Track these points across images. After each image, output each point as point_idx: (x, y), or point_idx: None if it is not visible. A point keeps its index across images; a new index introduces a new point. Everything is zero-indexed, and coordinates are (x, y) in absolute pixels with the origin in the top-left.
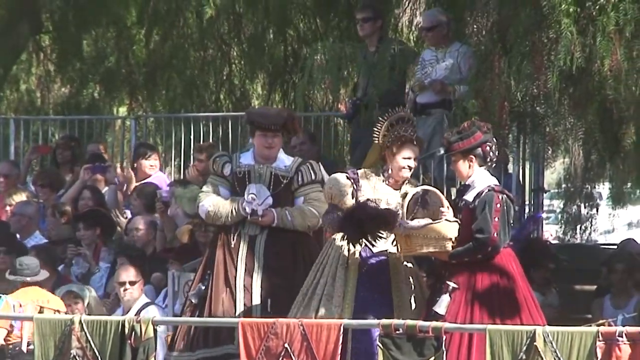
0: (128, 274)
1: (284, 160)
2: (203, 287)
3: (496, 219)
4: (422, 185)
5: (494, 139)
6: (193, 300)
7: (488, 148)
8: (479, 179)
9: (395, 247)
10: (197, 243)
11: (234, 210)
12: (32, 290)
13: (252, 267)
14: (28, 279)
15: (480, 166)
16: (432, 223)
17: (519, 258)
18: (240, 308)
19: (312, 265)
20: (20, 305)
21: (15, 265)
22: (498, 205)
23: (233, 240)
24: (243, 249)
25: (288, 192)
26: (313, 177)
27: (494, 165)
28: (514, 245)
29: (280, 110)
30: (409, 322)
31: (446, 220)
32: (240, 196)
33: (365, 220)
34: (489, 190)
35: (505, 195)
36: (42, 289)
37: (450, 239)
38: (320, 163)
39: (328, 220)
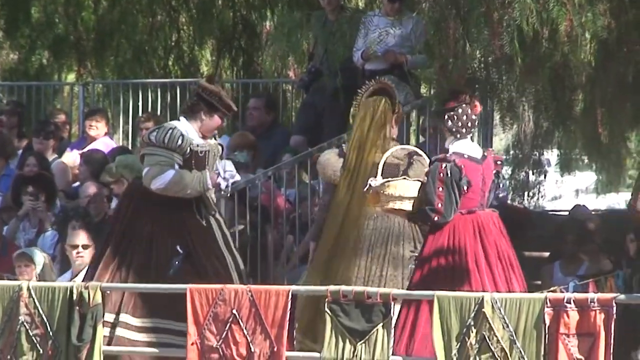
0: (81, 237)
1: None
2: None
3: (440, 189)
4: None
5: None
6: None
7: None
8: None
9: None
10: None
11: (200, 184)
12: None
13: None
14: None
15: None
16: (389, 180)
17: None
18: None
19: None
20: None
21: None
22: (441, 175)
23: (203, 220)
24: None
25: None
26: None
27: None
28: None
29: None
30: (357, 288)
31: (404, 179)
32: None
33: None
34: (434, 161)
35: (451, 163)
36: None
37: (410, 198)
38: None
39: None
